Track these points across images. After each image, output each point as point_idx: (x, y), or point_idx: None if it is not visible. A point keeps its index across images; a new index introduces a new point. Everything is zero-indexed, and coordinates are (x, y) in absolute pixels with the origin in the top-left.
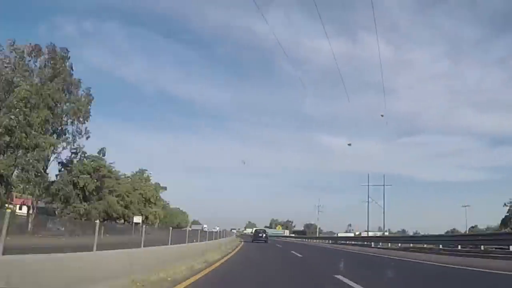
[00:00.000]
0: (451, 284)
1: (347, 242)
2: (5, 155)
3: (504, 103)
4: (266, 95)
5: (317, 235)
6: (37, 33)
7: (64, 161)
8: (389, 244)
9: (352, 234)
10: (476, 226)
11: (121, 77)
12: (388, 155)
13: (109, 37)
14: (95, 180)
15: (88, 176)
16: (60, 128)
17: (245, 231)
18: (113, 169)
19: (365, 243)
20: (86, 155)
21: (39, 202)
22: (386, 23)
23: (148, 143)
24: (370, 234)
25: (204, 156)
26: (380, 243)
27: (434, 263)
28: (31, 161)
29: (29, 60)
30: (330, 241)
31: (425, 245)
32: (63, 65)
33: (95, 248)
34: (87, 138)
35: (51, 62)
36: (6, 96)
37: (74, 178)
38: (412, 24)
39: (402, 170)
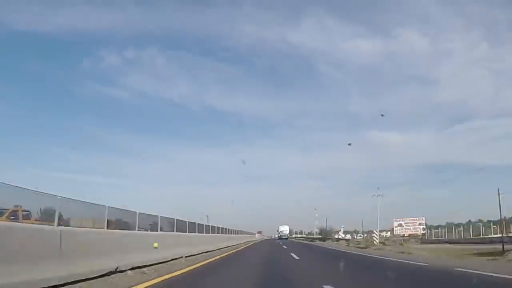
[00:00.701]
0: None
1: None
2: None
3: None
4: (310, 100)
5: None
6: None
7: None
8: None
9: None
10: None
11: (168, 98)
12: (442, 145)
13: (150, 62)
14: None
15: None
16: None
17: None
18: None
19: None
20: None
21: None
22: (418, 16)
23: (202, 158)
24: None
25: (259, 165)
26: None
27: None
28: None
29: None
30: None
31: None
32: None
33: None
34: None
35: None
36: None
37: None
38: (443, 14)
39: (459, 158)
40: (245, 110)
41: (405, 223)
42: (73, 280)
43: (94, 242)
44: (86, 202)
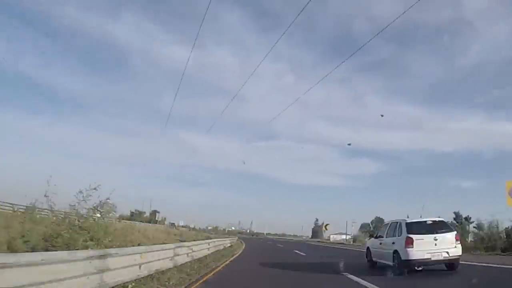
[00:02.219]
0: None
1: None
2: None
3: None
4: (125, 90)
5: None
6: None
7: None
8: None
9: None
10: None
11: None
12: (249, 155)
13: None
14: None
15: None
16: None
17: None
18: None
19: None
20: None
21: None
22: (232, 37)
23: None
24: None
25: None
26: None
27: None
28: None
29: None
30: None
31: None
32: None
33: None
34: None
35: None
36: None
37: None
38: (256, 43)
39: (265, 170)
40: (60, 86)
41: None
42: None
43: None
44: None
